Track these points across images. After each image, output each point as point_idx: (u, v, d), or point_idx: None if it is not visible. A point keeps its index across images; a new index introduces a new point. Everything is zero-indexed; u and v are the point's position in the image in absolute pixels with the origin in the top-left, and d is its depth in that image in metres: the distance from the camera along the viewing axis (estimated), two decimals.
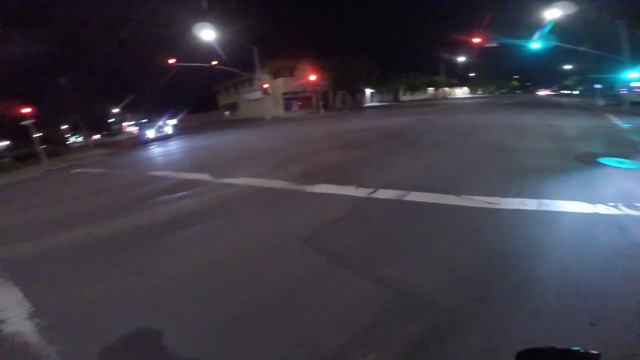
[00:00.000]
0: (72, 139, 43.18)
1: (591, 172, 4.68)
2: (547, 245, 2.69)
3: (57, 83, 26.51)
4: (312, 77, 26.27)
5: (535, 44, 18.21)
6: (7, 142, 28.40)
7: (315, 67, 27.95)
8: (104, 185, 8.38)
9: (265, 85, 24.94)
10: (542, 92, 52.77)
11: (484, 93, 64.15)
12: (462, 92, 67.29)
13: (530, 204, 3.56)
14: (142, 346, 2.04)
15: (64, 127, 36.48)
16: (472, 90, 65.42)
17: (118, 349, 2.04)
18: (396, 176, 5.29)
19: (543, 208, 3.45)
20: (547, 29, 17.69)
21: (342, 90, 36.15)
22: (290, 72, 31.08)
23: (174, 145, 16.78)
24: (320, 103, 27.44)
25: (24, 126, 13.97)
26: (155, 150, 16.09)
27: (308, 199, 4.64)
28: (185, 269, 3.00)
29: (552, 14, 15.86)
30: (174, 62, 21.42)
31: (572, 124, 10.08)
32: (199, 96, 49.40)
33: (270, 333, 2.00)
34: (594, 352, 0.67)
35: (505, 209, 3.51)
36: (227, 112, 45.59)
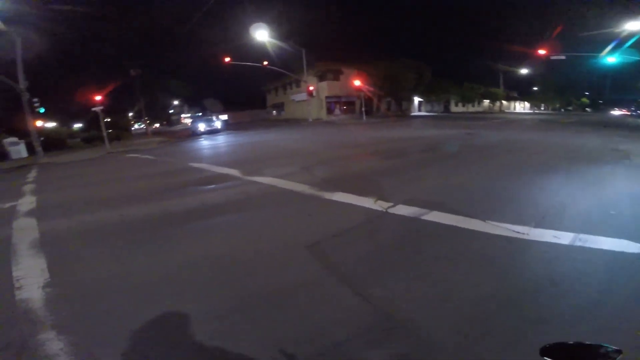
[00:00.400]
0: (135, 126, 47.87)
1: None
2: (567, 285, 2.35)
3: (128, 74, 29.54)
4: (357, 82, 26.13)
5: (612, 58, 16.26)
6: (80, 125, 32.35)
7: (361, 72, 27.78)
8: (147, 171, 9.16)
9: (310, 88, 25.39)
10: (617, 112, 46.54)
11: (547, 109, 58.61)
12: (521, 107, 62.20)
13: (564, 238, 3.13)
14: (128, 322, 2.16)
15: (130, 114, 40.49)
16: (534, 106, 60.08)
17: (113, 321, 2.19)
18: (422, 191, 5.03)
19: (578, 243, 3.02)
20: (629, 42, 15.69)
21: (388, 96, 35.44)
22: (336, 76, 31.27)
23: (219, 139, 17.79)
24: (363, 109, 27.20)
25: (95, 112, 15.83)
26: (202, 142, 17.21)
27: (323, 206, 4.60)
28: (187, 258, 3.16)
29: (635, 25, 13.98)
30: (229, 61, 22.69)
31: None
32: (249, 94, 51.82)
33: (239, 330, 2.02)
34: (616, 348, 0.70)
35: (532, 240, 3.14)
36: (274, 111, 47.23)
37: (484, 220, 3.67)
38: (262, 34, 22.55)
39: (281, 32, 24.12)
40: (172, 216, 4.58)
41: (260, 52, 24.16)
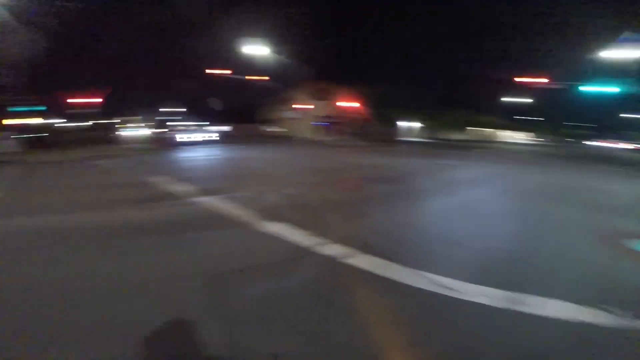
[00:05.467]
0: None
1: (610, 259, 3.64)
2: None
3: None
4: (349, 104, 26.23)
5: (614, 89, 16.11)
6: None
7: (355, 94, 27.93)
8: (98, 180, 8.73)
9: (296, 106, 25.41)
10: (612, 144, 41.18)
11: (543, 139, 58.80)
12: (516, 135, 62.58)
13: (496, 298, 2.71)
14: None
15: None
16: (534, 135, 60.02)
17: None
18: (363, 228, 4.65)
19: (511, 306, 2.60)
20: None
21: (380, 119, 35.59)
22: (328, 96, 31.41)
23: (201, 152, 17.23)
24: (351, 131, 27.16)
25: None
26: (181, 154, 16.63)
27: (248, 236, 4.20)
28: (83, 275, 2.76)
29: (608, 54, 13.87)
30: (230, 74, 22.61)
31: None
32: (248, 107, 51.74)
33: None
34: None
35: (457, 299, 2.73)
36: (267, 129, 47.15)
37: (415, 268, 3.27)
38: (261, 49, 22.57)
39: (281, 49, 24.06)
40: (81, 231, 4.24)
41: (259, 64, 23.99)
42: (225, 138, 27.33)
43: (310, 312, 2.48)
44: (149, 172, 9.76)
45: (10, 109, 18.08)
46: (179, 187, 7.18)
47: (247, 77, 24.71)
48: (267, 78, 25.14)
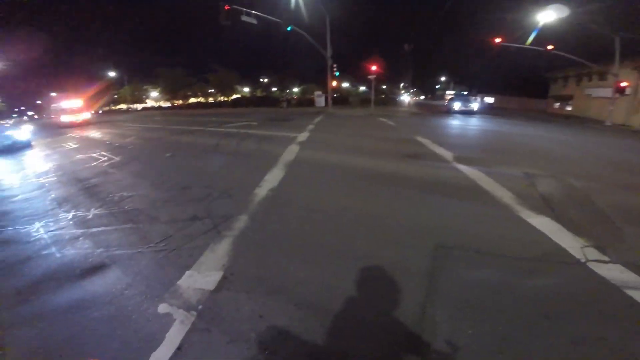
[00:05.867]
0: (405, 96, 53.49)
1: None
2: None
3: (402, 49, 33.67)
4: None
5: None
6: (364, 88, 40.34)
7: None
8: (381, 134, 10.80)
9: (623, 84, 17.79)
10: None
11: None
12: None
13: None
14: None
15: (402, 84, 45.70)
16: None
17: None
18: None
19: None
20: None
21: None
22: None
23: (466, 121, 16.85)
24: None
25: (369, 79, 19.72)
26: (446, 121, 17.04)
27: (502, 220, 3.91)
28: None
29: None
30: (500, 42, 19.90)
31: None
32: (527, 80, 43.03)
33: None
34: None
35: None
36: (556, 104, 37.41)
37: None
38: (547, 15, 17.60)
39: (578, 14, 17.46)
40: (371, 175, 5.75)
41: (547, 33, 19.07)
42: (489, 110, 25.00)
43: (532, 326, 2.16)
44: (416, 133, 10.91)
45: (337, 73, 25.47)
46: (442, 151, 7.65)
47: (527, 47, 20.11)
48: (551, 47, 19.55)
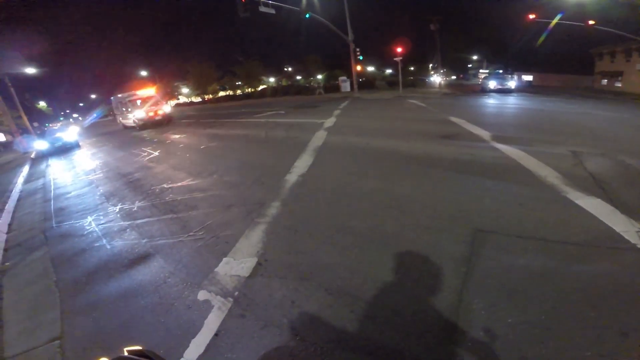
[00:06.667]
0: (435, 77, 51.02)
1: None
2: None
3: (428, 27, 32.05)
4: None
5: None
6: (390, 70, 39.09)
7: None
8: (412, 115, 10.47)
9: None
10: None
11: None
12: None
13: None
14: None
15: (430, 65, 43.59)
16: None
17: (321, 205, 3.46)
18: None
19: None
20: None
21: None
22: None
23: (504, 100, 15.78)
24: None
25: (395, 62, 18.94)
26: (482, 100, 16.01)
27: (546, 202, 3.61)
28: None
29: None
30: (534, 18, 18.62)
31: None
32: (570, 56, 39.12)
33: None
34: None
35: None
36: (604, 80, 33.92)
37: None
38: None
39: None
40: (402, 157, 5.61)
41: (589, 7, 17.25)
42: (527, 87, 23.45)
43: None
44: (451, 113, 10.41)
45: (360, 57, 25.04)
46: (478, 130, 7.24)
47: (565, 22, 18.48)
48: (592, 22, 18.09)
